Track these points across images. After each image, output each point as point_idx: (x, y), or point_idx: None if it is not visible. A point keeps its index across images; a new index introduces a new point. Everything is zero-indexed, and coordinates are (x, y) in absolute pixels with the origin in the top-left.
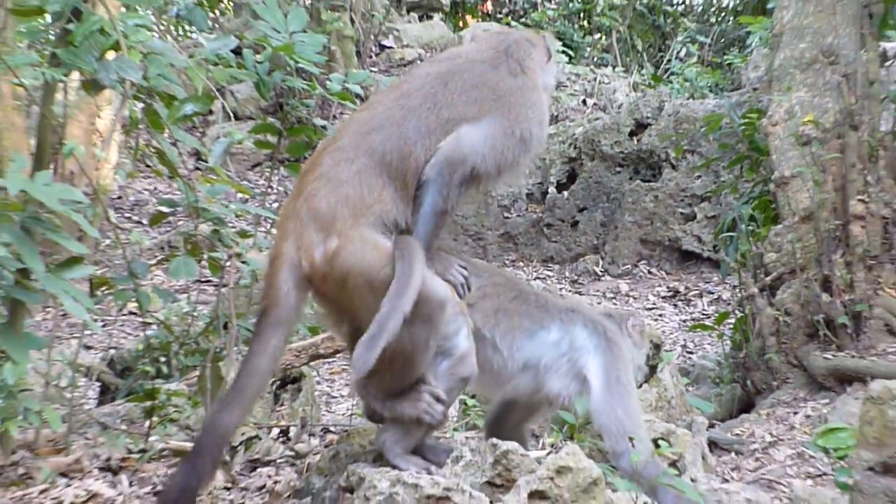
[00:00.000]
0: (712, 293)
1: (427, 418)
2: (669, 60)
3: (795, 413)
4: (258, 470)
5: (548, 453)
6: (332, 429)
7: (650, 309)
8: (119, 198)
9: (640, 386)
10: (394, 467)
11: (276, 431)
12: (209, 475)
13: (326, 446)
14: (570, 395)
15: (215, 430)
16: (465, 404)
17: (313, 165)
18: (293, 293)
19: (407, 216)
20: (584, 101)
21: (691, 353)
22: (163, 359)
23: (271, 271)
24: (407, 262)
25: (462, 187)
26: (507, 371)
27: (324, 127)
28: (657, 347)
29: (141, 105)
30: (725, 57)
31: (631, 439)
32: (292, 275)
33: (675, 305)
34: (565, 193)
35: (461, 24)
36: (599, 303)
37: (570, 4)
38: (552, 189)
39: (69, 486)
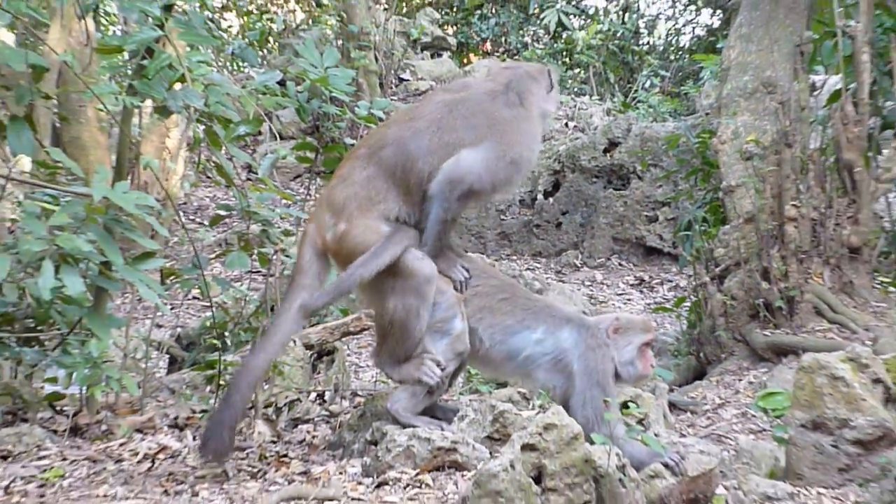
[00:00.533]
0: (671, 281)
1: (426, 379)
2: (636, 90)
3: (740, 380)
4: (299, 427)
5: (537, 413)
6: (359, 393)
7: (620, 294)
8: (185, 203)
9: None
10: (408, 426)
11: (313, 395)
12: (241, 410)
13: (355, 407)
14: (557, 386)
15: (247, 371)
16: (469, 373)
17: (337, 170)
18: (314, 263)
19: (408, 215)
20: (566, 124)
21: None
22: (221, 335)
23: (299, 246)
24: (390, 240)
25: (461, 201)
26: (490, 358)
27: (352, 145)
28: None
29: (202, 127)
30: (682, 87)
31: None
32: (311, 248)
33: (641, 291)
34: (551, 199)
35: (465, 60)
36: (580, 289)
37: (555, 45)
38: (540, 196)
39: (143, 440)
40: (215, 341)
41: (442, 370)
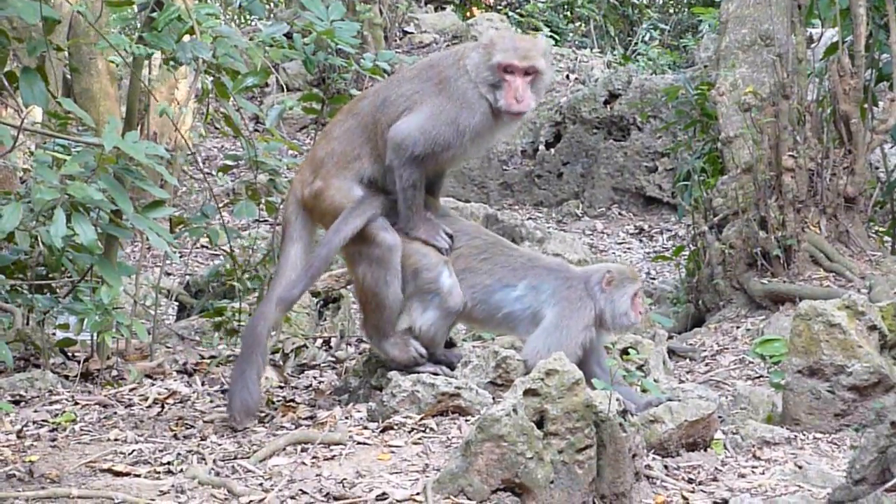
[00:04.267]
0: (670, 231)
1: (412, 361)
2: (636, 43)
3: (738, 327)
4: (306, 372)
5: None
6: (364, 339)
7: (620, 243)
8: (193, 154)
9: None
10: (412, 372)
11: (319, 342)
12: (263, 362)
13: (360, 353)
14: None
15: (256, 322)
16: None
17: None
18: (298, 215)
19: (383, 176)
20: (567, 76)
21: (654, 279)
22: (228, 283)
23: (286, 199)
24: (358, 208)
25: (411, 167)
26: (474, 317)
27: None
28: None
29: (211, 78)
30: (682, 40)
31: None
32: (295, 202)
33: (641, 241)
34: (552, 150)
35: (468, 14)
36: (580, 238)
37: None
38: (542, 147)
39: (153, 385)
40: (236, 283)
41: (425, 356)
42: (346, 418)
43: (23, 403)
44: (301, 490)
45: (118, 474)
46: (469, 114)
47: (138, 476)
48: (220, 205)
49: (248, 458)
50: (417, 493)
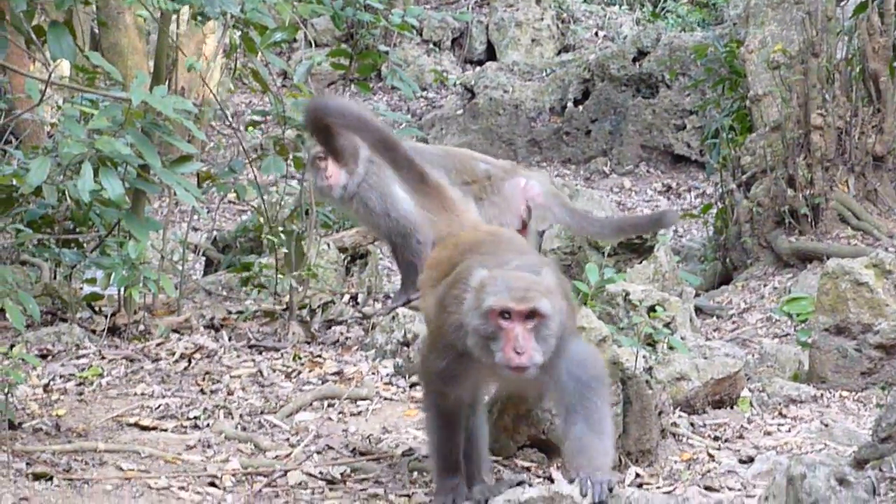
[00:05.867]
0: (698, 189)
1: None
2: (665, 0)
3: (765, 285)
4: (333, 328)
5: None
6: (391, 296)
7: (648, 201)
8: (221, 109)
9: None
10: None
11: (347, 297)
12: None
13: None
14: None
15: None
16: None
17: None
18: None
19: None
20: (596, 34)
21: (682, 236)
22: (256, 238)
23: None
24: None
25: None
26: None
27: (386, 52)
28: (654, 232)
29: (239, 33)
30: None
31: None
32: None
33: (669, 198)
34: (580, 108)
35: None
36: (608, 196)
37: None
38: (570, 104)
39: (180, 340)
40: (264, 239)
41: None
42: (373, 374)
43: (50, 358)
44: (327, 445)
45: (144, 429)
46: None
47: (164, 430)
48: (248, 160)
49: (275, 413)
50: None
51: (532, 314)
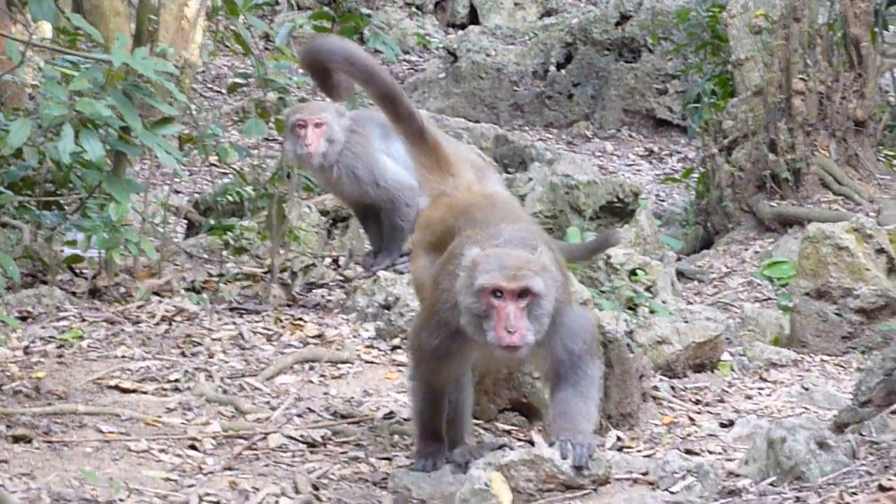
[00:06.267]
0: (680, 153)
1: None
2: None
3: (746, 249)
4: (314, 291)
5: None
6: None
7: (630, 165)
8: (203, 72)
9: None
10: None
11: (328, 260)
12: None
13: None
14: None
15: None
16: None
17: None
18: None
19: None
20: None
21: (663, 200)
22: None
23: None
24: None
25: None
26: None
27: (368, 15)
28: (635, 195)
29: None
30: None
31: None
32: None
33: (651, 162)
34: (563, 71)
35: None
36: (590, 160)
37: None
38: (552, 68)
39: (161, 302)
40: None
41: None
42: (354, 337)
43: (30, 320)
44: (308, 408)
45: (125, 391)
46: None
47: (145, 393)
48: (230, 123)
49: (256, 375)
50: None
51: (524, 293)
